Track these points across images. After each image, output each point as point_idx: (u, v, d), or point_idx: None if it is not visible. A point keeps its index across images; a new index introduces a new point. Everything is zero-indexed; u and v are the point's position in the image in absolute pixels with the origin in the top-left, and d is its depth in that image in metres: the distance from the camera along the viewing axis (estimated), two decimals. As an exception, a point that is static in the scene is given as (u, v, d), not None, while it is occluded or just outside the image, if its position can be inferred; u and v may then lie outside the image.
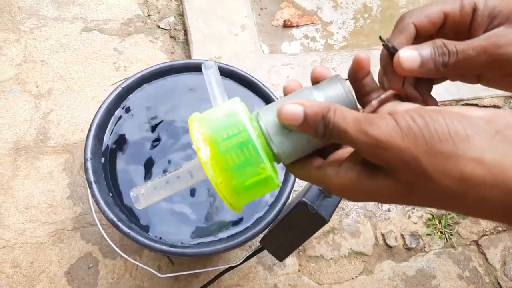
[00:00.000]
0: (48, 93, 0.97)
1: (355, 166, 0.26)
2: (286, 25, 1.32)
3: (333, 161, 0.28)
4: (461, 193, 0.22)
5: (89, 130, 0.59)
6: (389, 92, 0.29)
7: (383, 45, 0.29)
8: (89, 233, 0.83)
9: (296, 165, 0.30)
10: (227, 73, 0.67)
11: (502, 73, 0.28)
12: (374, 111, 0.28)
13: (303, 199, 0.50)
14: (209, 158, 0.28)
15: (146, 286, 0.81)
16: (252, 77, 0.68)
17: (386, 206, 0.96)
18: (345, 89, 0.28)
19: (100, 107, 0.61)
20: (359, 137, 0.24)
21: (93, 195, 0.55)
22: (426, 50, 0.28)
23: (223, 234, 0.58)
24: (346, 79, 0.30)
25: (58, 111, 0.95)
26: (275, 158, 0.30)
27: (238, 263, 0.67)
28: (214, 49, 1.09)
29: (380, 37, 0.30)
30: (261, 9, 1.33)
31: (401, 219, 0.95)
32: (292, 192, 0.61)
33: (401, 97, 0.29)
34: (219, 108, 0.31)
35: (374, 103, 0.28)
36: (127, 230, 0.53)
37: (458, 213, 0.26)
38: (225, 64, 0.69)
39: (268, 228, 0.58)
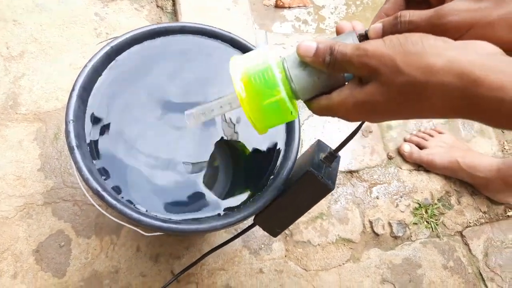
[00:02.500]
0: (20, 56, 0.88)
1: (350, 85, 0.33)
2: (278, 6, 1.27)
3: (339, 92, 0.34)
4: (425, 81, 0.27)
5: (72, 90, 0.53)
6: None
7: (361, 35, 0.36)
8: (61, 209, 0.76)
9: (311, 101, 0.37)
10: (227, 40, 0.62)
11: None
12: None
13: (310, 168, 0.48)
14: (239, 80, 0.36)
15: (123, 267, 0.75)
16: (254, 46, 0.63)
17: (374, 193, 0.95)
18: (353, 39, 0.35)
19: (85, 65, 0.54)
20: (354, 52, 0.31)
21: (75, 162, 0.48)
22: (377, 25, 0.34)
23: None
24: (361, 34, 0.35)
25: (30, 75, 0.87)
26: (294, 93, 0.37)
27: (225, 240, 0.62)
28: (204, 22, 1.03)
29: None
30: (253, -14, 1.28)
31: (389, 207, 0.94)
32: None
33: None
34: (255, 50, 0.39)
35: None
36: (113, 202, 0.47)
37: (422, 115, 0.30)
38: (222, 30, 0.63)
39: (263, 203, 0.54)
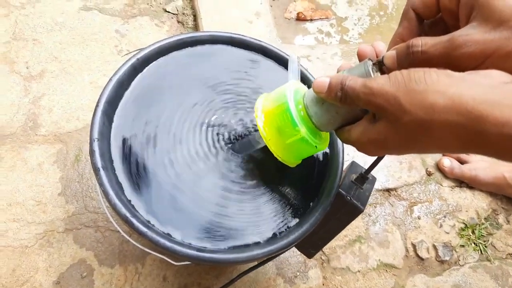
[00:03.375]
0: (40, 75, 0.85)
1: (364, 122, 0.34)
2: (300, 18, 1.23)
3: (356, 125, 0.35)
4: (429, 120, 0.27)
5: (97, 105, 0.48)
6: None
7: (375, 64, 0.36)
8: (83, 236, 0.71)
9: (336, 131, 0.39)
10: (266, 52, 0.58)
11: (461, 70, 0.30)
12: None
13: (339, 189, 0.49)
14: (262, 122, 0.41)
15: (149, 299, 0.69)
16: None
17: (415, 213, 0.87)
18: (366, 70, 0.34)
19: (110, 79, 0.50)
20: (361, 90, 0.31)
21: (101, 184, 0.43)
22: (390, 53, 0.34)
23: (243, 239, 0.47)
24: (379, 60, 0.35)
25: (50, 95, 0.83)
26: (317, 128, 0.39)
27: (257, 263, 0.56)
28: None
29: (372, 61, 0.36)
30: (273, 0, 1.25)
31: (432, 228, 0.86)
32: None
33: None
34: (278, 88, 0.42)
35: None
36: (144, 229, 0.42)
37: (433, 150, 0.30)
38: (253, 38, 0.59)
39: (307, 229, 0.48)
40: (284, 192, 0.51)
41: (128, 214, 0.42)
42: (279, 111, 0.39)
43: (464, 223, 0.88)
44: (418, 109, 0.27)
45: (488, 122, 0.25)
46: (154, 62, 0.55)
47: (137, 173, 0.47)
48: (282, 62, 0.59)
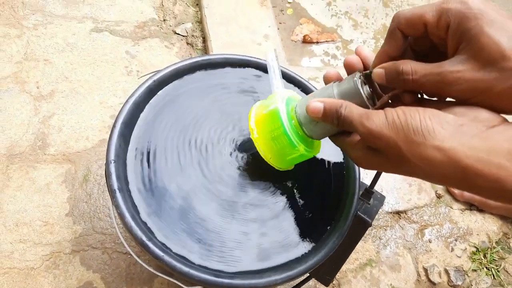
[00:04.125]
0: (50, 95, 0.85)
1: (363, 147, 0.35)
2: (306, 41, 1.25)
3: (350, 140, 0.37)
4: (429, 170, 0.29)
5: (113, 126, 0.48)
6: (389, 94, 0.36)
7: (363, 75, 0.37)
8: (90, 258, 0.70)
9: (330, 136, 0.40)
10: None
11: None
12: (384, 103, 0.36)
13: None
14: (259, 144, 0.43)
15: (156, 324, 0.67)
16: (301, 77, 0.59)
17: (426, 237, 0.86)
18: (355, 85, 0.36)
19: (127, 101, 0.50)
20: (359, 128, 0.33)
21: (118, 207, 0.43)
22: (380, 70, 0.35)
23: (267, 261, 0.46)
24: (366, 73, 0.36)
25: (60, 115, 0.83)
26: (308, 136, 0.41)
27: None
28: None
29: (360, 74, 0.37)
30: (280, 23, 1.27)
31: (444, 252, 0.85)
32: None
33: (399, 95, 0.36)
34: (270, 101, 0.43)
35: (385, 98, 0.36)
36: (160, 253, 0.41)
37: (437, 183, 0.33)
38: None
39: (326, 253, 0.47)
40: (300, 215, 0.50)
41: (144, 238, 0.42)
42: (276, 134, 0.41)
43: (475, 247, 0.87)
44: (418, 161, 0.29)
45: (480, 177, 0.28)
46: (169, 84, 0.55)
47: (153, 195, 0.47)
48: (297, 83, 0.59)
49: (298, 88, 0.60)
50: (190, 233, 0.45)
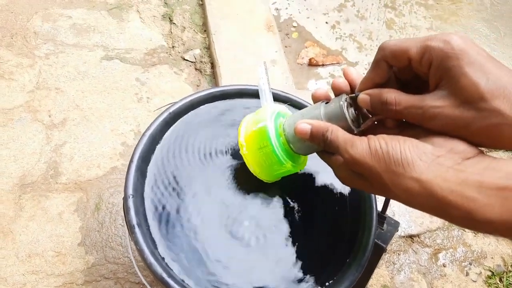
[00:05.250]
0: (61, 124, 0.86)
1: (347, 169, 0.37)
2: (312, 64, 1.27)
3: (336, 159, 0.38)
4: (408, 199, 0.32)
5: (131, 161, 0.48)
6: (373, 119, 0.38)
7: (351, 97, 0.39)
8: (103, 289, 0.69)
9: (317, 152, 0.42)
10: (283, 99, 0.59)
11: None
12: (369, 126, 0.39)
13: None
14: (248, 157, 0.45)
15: None
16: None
17: (440, 261, 0.85)
18: (341, 109, 0.37)
19: (143, 134, 0.51)
20: (344, 154, 0.35)
21: (137, 242, 0.43)
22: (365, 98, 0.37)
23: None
24: (352, 96, 0.38)
25: (72, 143, 0.84)
26: (296, 152, 0.43)
27: None
28: (244, 83, 1.01)
29: (347, 97, 0.38)
30: (285, 47, 1.28)
31: (459, 276, 0.84)
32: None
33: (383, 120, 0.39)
34: (259, 116, 0.44)
35: (368, 122, 0.38)
36: (180, 290, 0.41)
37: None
38: (279, 91, 0.60)
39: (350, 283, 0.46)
40: (318, 248, 0.50)
41: (164, 275, 0.41)
42: (265, 152, 0.43)
43: (490, 271, 0.86)
44: (398, 190, 0.32)
45: (453, 208, 0.29)
46: (184, 116, 0.56)
47: (171, 230, 0.47)
48: (300, 107, 0.60)
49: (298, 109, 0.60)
50: (208, 269, 0.45)
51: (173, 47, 1.07)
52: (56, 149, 0.83)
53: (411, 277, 0.82)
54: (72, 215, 0.75)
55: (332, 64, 1.29)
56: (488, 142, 0.32)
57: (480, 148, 0.32)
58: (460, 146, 0.31)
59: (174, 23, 1.11)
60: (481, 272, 0.85)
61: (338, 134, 0.36)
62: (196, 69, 1.05)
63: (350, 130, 0.37)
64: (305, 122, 0.39)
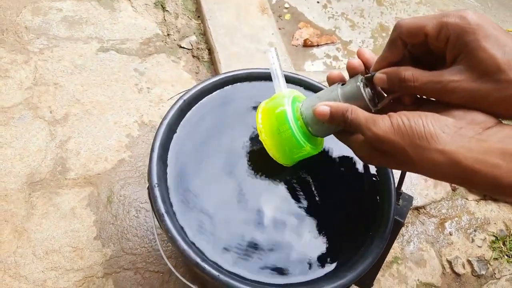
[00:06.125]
0: (64, 119, 0.85)
1: (368, 147, 0.38)
2: (307, 45, 1.26)
3: (356, 138, 0.40)
4: (433, 170, 0.33)
5: (152, 150, 0.48)
6: (390, 96, 0.39)
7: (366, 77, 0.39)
8: (123, 279, 0.70)
9: (335, 133, 0.44)
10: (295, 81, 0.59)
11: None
12: (386, 104, 0.39)
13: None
14: (267, 142, 0.45)
15: None
16: (313, 80, 0.60)
17: (447, 230, 0.88)
18: (358, 89, 0.38)
19: (161, 123, 0.51)
20: (367, 132, 0.35)
21: (168, 231, 0.43)
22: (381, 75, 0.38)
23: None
24: (368, 76, 0.39)
25: (76, 138, 0.83)
26: (314, 135, 0.44)
27: None
28: (243, 67, 1.01)
29: (362, 77, 0.39)
30: (279, 29, 1.28)
31: (465, 243, 0.87)
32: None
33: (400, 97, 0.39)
34: (276, 101, 0.45)
35: (386, 100, 0.39)
36: (216, 273, 0.42)
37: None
38: (291, 73, 0.60)
39: (373, 258, 0.48)
40: (341, 223, 0.51)
41: (198, 260, 0.42)
42: (284, 136, 0.43)
43: (494, 236, 0.89)
44: (423, 162, 0.33)
45: (478, 176, 0.31)
46: (198, 103, 0.56)
47: (195, 214, 0.47)
48: (313, 89, 0.61)
49: (310, 90, 0.61)
50: (236, 249, 0.46)
51: (168, 35, 1.05)
52: (61, 145, 0.82)
53: (420, 247, 0.84)
54: (85, 210, 0.75)
55: (326, 44, 1.29)
56: (506, 112, 0.33)
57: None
58: (480, 117, 0.33)
59: (167, 10, 1.09)
60: (485, 238, 0.88)
61: (358, 113, 0.37)
62: (193, 56, 1.04)
63: (368, 110, 0.38)
64: (324, 104, 0.39)
